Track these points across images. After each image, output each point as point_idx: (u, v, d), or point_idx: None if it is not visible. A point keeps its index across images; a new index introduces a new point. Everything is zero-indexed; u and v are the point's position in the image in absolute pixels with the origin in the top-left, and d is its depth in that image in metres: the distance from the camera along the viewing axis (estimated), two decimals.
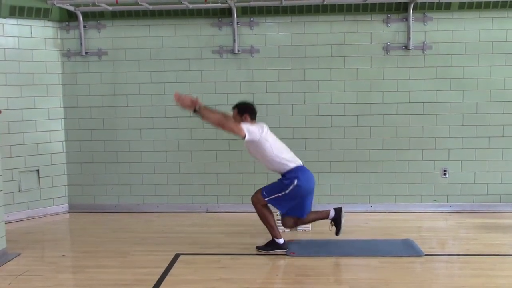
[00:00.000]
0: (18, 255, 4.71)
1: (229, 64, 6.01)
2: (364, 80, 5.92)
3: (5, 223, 4.84)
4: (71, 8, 5.84)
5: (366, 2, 5.66)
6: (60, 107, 6.18)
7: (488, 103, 5.87)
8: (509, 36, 5.77)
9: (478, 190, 5.99)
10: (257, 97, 5.76)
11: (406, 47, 5.84)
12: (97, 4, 5.57)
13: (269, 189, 4.58)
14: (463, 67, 5.84)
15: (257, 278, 4.12)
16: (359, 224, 5.60)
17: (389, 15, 5.84)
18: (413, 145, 5.97)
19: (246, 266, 4.38)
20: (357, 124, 5.98)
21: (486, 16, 5.76)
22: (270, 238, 4.68)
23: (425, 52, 5.85)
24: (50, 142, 6.14)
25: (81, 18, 5.97)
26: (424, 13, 5.79)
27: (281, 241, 4.64)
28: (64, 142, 6.23)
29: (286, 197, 4.53)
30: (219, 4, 5.74)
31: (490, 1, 5.65)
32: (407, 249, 4.67)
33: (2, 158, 5.71)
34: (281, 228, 4.90)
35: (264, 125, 4.62)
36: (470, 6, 5.70)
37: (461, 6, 5.71)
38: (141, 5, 5.61)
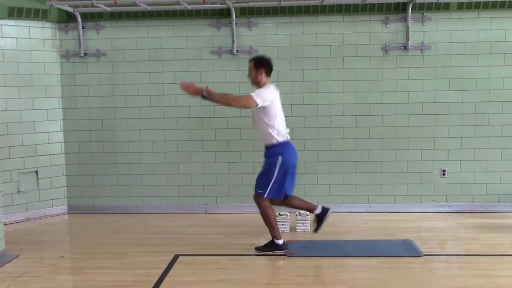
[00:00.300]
0: (17, 256, 4.70)
1: (228, 64, 6.01)
2: (363, 80, 5.92)
3: (4, 225, 4.84)
4: (70, 9, 5.84)
5: (365, 2, 5.66)
6: (59, 108, 6.17)
7: (487, 103, 5.87)
8: (508, 36, 5.78)
9: (477, 190, 5.99)
10: None
11: (405, 48, 5.84)
12: (95, 5, 5.57)
13: (261, 183, 4.54)
14: (462, 67, 5.84)
15: (257, 279, 4.11)
16: (358, 224, 5.61)
17: (387, 16, 5.84)
18: (412, 145, 5.97)
19: (246, 267, 4.38)
20: (356, 125, 5.98)
21: (485, 16, 5.77)
22: (270, 238, 4.67)
23: (424, 52, 5.85)
24: (49, 143, 6.13)
25: (79, 19, 5.96)
26: (422, 14, 5.79)
27: (280, 242, 4.63)
28: (63, 143, 6.23)
29: (279, 179, 4.50)
30: (218, 5, 5.74)
31: (488, 1, 5.65)
32: (406, 249, 4.67)
33: (1, 159, 5.74)
34: (281, 227, 4.90)
35: (276, 89, 4.58)
36: (468, 6, 5.70)
37: (460, 6, 5.71)
38: (139, 6, 5.61)
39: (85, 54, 6.08)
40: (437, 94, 5.89)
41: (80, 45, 6.04)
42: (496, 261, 4.41)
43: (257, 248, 4.69)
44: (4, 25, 5.75)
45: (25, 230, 5.65)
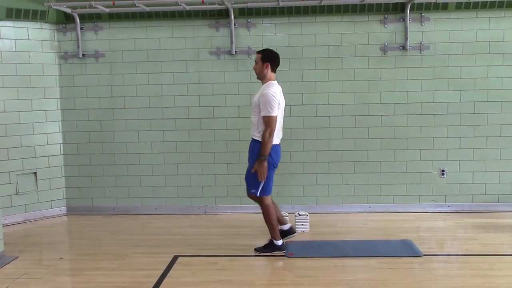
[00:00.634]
0: (16, 258, 4.70)
1: (227, 65, 6.01)
2: (362, 80, 5.92)
3: (3, 226, 4.84)
4: (68, 10, 5.83)
5: (363, 2, 5.66)
6: (58, 109, 6.17)
7: (486, 103, 5.87)
8: (506, 36, 5.78)
9: (476, 190, 5.99)
10: None
11: (404, 48, 5.84)
12: (94, 6, 5.57)
13: (253, 183, 4.51)
14: (461, 67, 5.85)
15: (256, 279, 4.11)
16: (357, 224, 5.60)
17: (386, 16, 5.84)
18: (411, 145, 5.97)
19: (245, 267, 4.38)
20: (355, 125, 5.98)
21: (483, 16, 5.77)
22: (269, 239, 4.67)
23: (422, 52, 5.85)
24: (48, 144, 6.12)
25: (78, 20, 5.95)
26: (421, 14, 5.79)
27: (279, 242, 4.63)
28: (61, 145, 6.22)
29: (269, 174, 4.48)
30: (216, 6, 5.74)
31: (486, 1, 5.66)
32: (405, 249, 4.67)
33: None
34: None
35: (279, 86, 4.57)
36: (467, 6, 5.71)
37: (458, 6, 5.72)
38: (138, 6, 5.61)
39: (83, 55, 6.07)
40: (436, 94, 5.90)
41: (78, 46, 6.04)
42: (495, 261, 4.41)
43: (257, 249, 4.69)
44: (2, 26, 5.74)
45: (24, 231, 5.64)
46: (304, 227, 5.31)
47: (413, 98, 5.91)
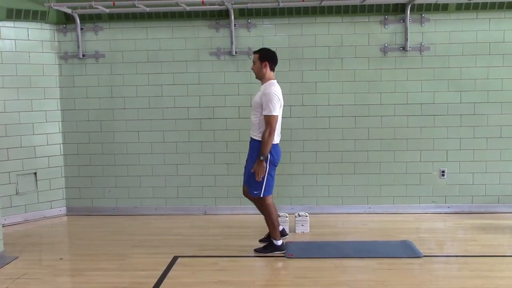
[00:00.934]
0: (16, 258, 4.69)
1: (227, 66, 6.01)
2: (362, 81, 5.92)
3: (3, 226, 4.84)
4: (68, 11, 5.84)
5: (364, 3, 5.66)
6: (58, 110, 6.17)
7: (486, 104, 5.87)
8: (506, 37, 5.78)
9: (476, 191, 5.99)
10: None
11: (404, 48, 5.84)
12: (94, 6, 5.57)
13: (255, 183, 4.50)
14: (461, 68, 5.85)
15: (256, 280, 4.11)
16: (357, 225, 5.60)
17: (386, 16, 5.84)
18: (411, 146, 5.97)
19: (245, 268, 4.38)
20: (355, 126, 5.98)
21: (483, 17, 5.77)
22: (267, 234, 4.68)
23: (422, 53, 5.85)
24: (48, 144, 6.12)
25: (78, 21, 5.96)
26: (421, 14, 5.79)
27: (279, 242, 4.63)
28: (61, 145, 6.22)
29: (270, 174, 4.49)
30: (217, 6, 5.74)
31: (487, 2, 5.66)
32: (405, 250, 4.67)
33: None
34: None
35: (279, 86, 4.57)
36: (467, 7, 5.71)
37: (458, 7, 5.72)
38: (138, 7, 5.62)
39: (83, 55, 6.08)
40: (436, 95, 5.90)
41: (78, 46, 6.04)
42: (495, 262, 4.41)
43: (256, 250, 4.68)
44: (2, 26, 5.74)
45: (23, 231, 5.64)
46: (304, 227, 5.30)
47: (413, 99, 5.91)
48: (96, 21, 6.04)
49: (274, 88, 4.46)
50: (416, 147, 5.97)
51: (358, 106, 5.95)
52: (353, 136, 6.00)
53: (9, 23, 5.78)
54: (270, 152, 4.45)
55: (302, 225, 5.31)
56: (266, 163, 4.45)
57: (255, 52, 4.64)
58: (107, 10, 5.77)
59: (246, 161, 4.69)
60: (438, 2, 5.64)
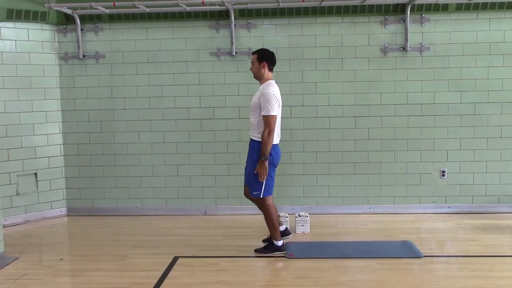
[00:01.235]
0: (16, 259, 4.69)
1: (227, 66, 6.01)
2: (362, 81, 5.92)
3: (3, 227, 4.84)
4: (68, 11, 5.84)
5: (364, 3, 5.66)
6: (58, 110, 6.17)
7: (486, 104, 5.87)
8: (507, 37, 5.78)
9: (476, 191, 5.99)
10: None
11: (404, 49, 5.84)
12: (94, 7, 5.57)
13: (255, 184, 4.51)
14: (461, 68, 5.85)
15: (256, 280, 4.11)
16: (357, 225, 5.60)
17: (386, 17, 5.84)
18: (411, 146, 5.97)
19: (245, 268, 4.38)
20: (355, 126, 5.98)
21: (483, 17, 5.77)
22: (268, 236, 4.68)
23: (422, 53, 5.85)
24: (48, 145, 6.12)
25: (78, 21, 5.96)
26: (421, 15, 5.79)
27: (279, 243, 4.63)
28: (62, 145, 6.22)
29: (270, 174, 4.49)
30: (217, 7, 5.74)
31: (487, 2, 5.66)
32: (406, 250, 4.67)
33: None
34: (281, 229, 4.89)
35: (277, 86, 4.57)
36: (467, 7, 5.71)
37: (458, 8, 5.72)
38: (138, 8, 5.62)
39: (84, 56, 6.08)
40: (436, 95, 5.90)
41: (79, 47, 6.04)
42: (496, 262, 4.41)
43: (257, 250, 4.68)
44: (2, 27, 5.75)
45: (24, 232, 5.64)
46: (304, 228, 5.30)
47: (413, 99, 5.91)
48: (96, 22, 6.04)
49: (272, 88, 4.47)
50: (416, 147, 5.97)
51: (358, 106, 5.95)
52: (353, 136, 6.00)
53: (10, 24, 5.78)
54: (270, 153, 4.45)
55: (302, 225, 5.31)
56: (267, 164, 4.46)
57: (253, 53, 4.64)
58: (107, 11, 5.77)
59: (246, 161, 4.69)
60: (438, 2, 5.64)
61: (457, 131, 5.92)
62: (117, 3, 5.57)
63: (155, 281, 4.07)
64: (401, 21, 5.83)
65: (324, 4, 5.65)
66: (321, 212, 6.01)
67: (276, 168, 4.64)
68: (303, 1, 5.63)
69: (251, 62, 4.62)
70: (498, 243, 4.91)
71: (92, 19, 6.02)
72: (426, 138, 5.95)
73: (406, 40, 5.80)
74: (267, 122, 4.38)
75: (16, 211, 5.95)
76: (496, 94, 5.85)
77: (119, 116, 6.15)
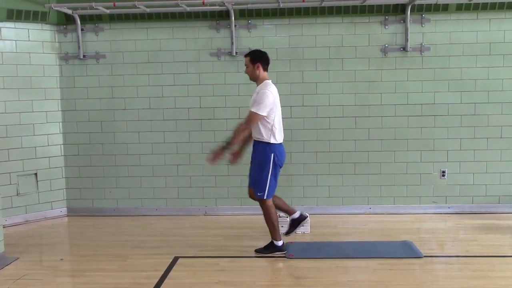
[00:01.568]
0: (17, 259, 4.69)
1: (227, 66, 6.01)
2: (362, 82, 5.92)
3: (3, 227, 4.83)
4: (69, 12, 5.84)
5: (364, 4, 5.66)
6: (58, 111, 6.17)
7: (486, 104, 5.87)
8: (507, 37, 5.79)
9: (476, 191, 5.99)
10: None
11: (404, 49, 5.84)
12: (94, 7, 5.57)
13: (259, 184, 4.51)
14: (461, 68, 5.85)
15: (256, 280, 4.11)
16: (358, 226, 5.60)
17: (386, 17, 5.84)
18: (411, 146, 5.97)
19: (245, 268, 4.38)
20: (355, 126, 5.98)
21: (484, 18, 5.77)
22: (269, 240, 4.67)
23: (423, 53, 5.85)
24: (48, 145, 6.13)
25: (78, 21, 5.96)
26: (421, 15, 5.80)
27: (280, 243, 4.63)
28: (62, 146, 6.22)
29: (273, 174, 4.49)
30: (217, 7, 5.74)
31: (487, 3, 5.66)
32: (406, 250, 4.67)
33: (0, 161, 5.72)
34: (281, 229, 4.90)
35: (275, 87, 4.55)
36: (467, 8, 5.71)
37: (459, 8, 5.72)
38: (138, 8, 5.62)
39: (84, 56, 6.08)
40: (436, 95, 5.90)
41: (79, 47, 6.04)
42: (496, 262, 4.41)
43: (257, 250, 4.69)
44: (3, 27, 5.75)
45: (24, 232, 5.64)
46: (305, 228, 5.29)
47: (413, 99, 5.91)
48: (97, 22, 6.04)
49: (270, 88, 4.45)
50: (416, 147, 5.97)
51: (359, 107, 5.96)
52: (353, 136, 6.00)
53: (10, 24, 5.79)
54: (275, 153, 4.45)
55: (302, 225, 5.31)
56: (270, 164, 4.44)
57: (246, 55, 4.60)
58: (108, 11, 5.77)
59: (251, 163, 4.68)
60: (438, 3, 5.64)
61: (457, 131, 5.92)
62: (117, 3, 5.57)
63: (156, 281, 4.07)
64: (401, 21, 5.83)
65: (324, 4, 5.65)
66: (321, 212, 6.01)
67: (281, 169, 4.63)
68: (303, 1, 5.63)
69: (245, 65, 4.59)
70: (499, 243, 4.91)
71: (93, 19, 6.02)
72: (426, 138, 5.95)
73: (406, 40, 5.81)
74: (251, 117, 4.36)
75: (17, 211, 5.95)
76: (496, 94, 5.85)
77: (120, 116, 6.15)
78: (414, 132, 5.95)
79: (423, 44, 5.83)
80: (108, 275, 4.26)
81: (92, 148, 6.21)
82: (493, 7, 5.69)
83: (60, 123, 6.19)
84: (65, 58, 6.12)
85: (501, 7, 5.69)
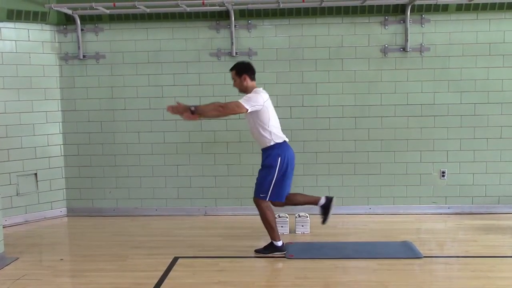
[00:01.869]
0: (16, 259, 4.69)
1: (227, 67, 5.92)
2: (362, 82, 5.93)
3: (3, 227, 4.83)
4: (69, 12, 5.84)
5: (364, 4, 5.66)
6: (58, 111, 6.17)
7: (486, 104, 5.87)
8: (507, 38, 5.79)
9: (476, 191, 5.99)
10: None
11: (404, 49, 5.85)
12: (94, 7, 5.57)
13: (262, 187, 4.53)
14: (461, 68, 5.85)
15: (256, 281, 4.11)
16: (358, 226, 5.60)
17: (386, 17, 5.85)
18: (411, 147, 5.97)
19: (245, 269, 4.38)
20: (355, 126, 5.98)
21: (483, 18, 5.78)
22: (269, 240, 4.67)
23: (422, 54, 5.85)
24: (48, 145, 6.13)
25: (78, 22, 5.96)
26: (421, 15, 5.80)
27: (279, 243, 4.63)
28: (62, 146, 6.23)
29: (279, 181, 4.50)
30: (217, 7, 5.74)
31: (487, 3, 5.66)
32: (406, 251, 4.67)
33: (0, 162, 5.73)
34: (281, 230, 4.90)
35: (266, 92, 4.56)
36: (467, 8, 5.71)
37: (459, 8, 5.72)
38: (138, 8, 5.62)
39: (84, 56, 6.08)
40: (436, 96, 5.90)
41: (79, 47, 6.04)
42: (496, 262, 4.41)
43: (257, 251, 4.69)
44: (3, 27, 5.75)
45: (24, 232, 5.64)
46: (304, 228, 5.31)
47: (413, 99, 5.91)
48: (97, 22, 6.05)
49: (260, 92, 4.48)
50: (416, 147, 5.97)
51: (358, 107, 5.96)
52: (353, 136, 6.00)
53: (10, 24, 5.79)
54: (283, 155, 4.46)
55: (302, 225, 5.32)
56: (275, 166, 4.45)
57: (230, 70, 4.63)
58: (108, 11, 5.77)
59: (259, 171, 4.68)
60: (438, 3, 5.65)
61: (457, 131, 5.92)
62: (117, 4, 5.57)
63: (155, 281, 4.07)
64: (401, 21, 5.84)
65: (324, 4, 5.65)
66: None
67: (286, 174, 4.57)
68: (303, 1, 5.63)
69: (232, 78, 4.61)
70: (498, 243, 4.91)
71: (92, 20, 6.02)
72: (426, 139, 5.95)
73: (406, 40, 5.81)
74: (232, 105, 4.31)
75: (16, 211, 5.95)
76: (496, 94, 5.85)
77: (119, 117, 6.15)
78: (414, 132, 5.95)
79: (423, 44, 5.84)
80: (107, 275, 4.26)
81: (92, 148, 6.21)
82: (493, 7, 5.70)
83: (60, 123, 6.20)
84: (65, 58, 6.13)
85: (501, 7, 5.69)
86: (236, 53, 5.93)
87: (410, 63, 5.88)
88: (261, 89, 4.57)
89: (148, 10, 5.74)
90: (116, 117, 6.15)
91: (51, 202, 6.20)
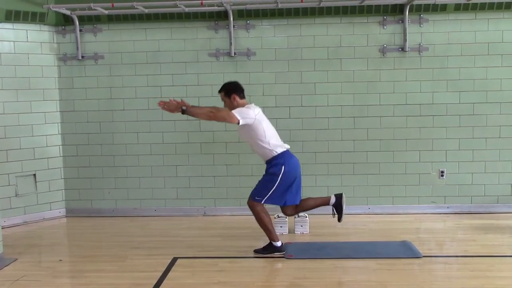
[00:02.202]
0: (15, 260, 4.69)
1: (226, 67, 6.01)
2: (361, 82, 5.93)
3: (2, 228, 4.83)
4: (67, 12, 5.83)
5: (362, 4, 5.67)
6: (57, 111, 6.17)
7: (485, 104, 5.88)
8: (505, 37, 5.79)
9: (475, 191, 6.00)
10: (254, 100, 5.69)
11: (403, 49, 5.85)
12: (93, 8, 5.57)
13: (260, 190, 4.55)
14: (459, 68, 5.85)
15: (256, 281, 4.11)
16: (357, 226, 5.60)
17: (385, 17, 5.85)
18: (410, 146, 5.98)
19: (244, 269, 4.38)
20: (354, 126, 5.99)
21: (482, 18, 5.78)
22: (268, 241, 4.67)
23: (421, 53, 5.86)
24: (47, 146, 6.12)
25: (77, 22, 5.96)
26: (420, 15, 5.80)
27: (278, 244, 4.63)
28: (60, 146, 6.22)
29: (279, 189, 4.52)
30: (215, 7, 5.74)
31: (485, 3, 5.67)
32: (405, 250, 4.67)
33: None
34: (280, 230, 4.89)
35: (257, 106, 4.57)
36: (465, 8, 5.72)
37: (457, 8, 5.73)
38: (137, 8, 5.61)
39: (82, 57, 6.08)
40: (435, 95, 5.90)
41: (77, 48, 6.04)
42: (495, 262, 4.41)
43: (256, 251, 4.69)
44: (1, 28, 5.74)
45: (23, 233, 5.64)
46: (304, 228, 5.31)
47: (412, 99, 5.91)
48: (95, 23, 6.04)
49: (251, 107, 4.48)
50: (415, 147, 5.97)
51: (357, 107, 5.96)
52: (352, 136, 6.00)
53: (8, 25, 5.78)
54: (286, 164, 4.49)
55: (301, 225, 5.32)
56: (278, 175, 4.47)
57: (219, 92, 4.64)
58: (106, 12, 5.77)
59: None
60: (436, 3, 5.65)
61: (455, 131, 5.93)
62: (115, 4, 5.57)
63: (155, 281, 4.06)
64: (400, 21, 5.84)
65: (322, 4, 5.65)
66: (320, 212, 5.96)
67: (287, 184, 4.59)
68: (302, 1, 5.63)
69: (222, 100, 4.62)
70: (497, 243, 4.91)
71: (91, 20, 6.02)
72: (425, 138, 5.96)
73: (405, 40, 5.81)
74: (224, 113, 4.32)
75: (15, 212, 5.95)
76: (494, 94, 5.86)
77: (118, 117, 6.14)
78: (413, 132, 5.95)
79: (422, 44, 5.84)
80: (107, 276, 4.26)
81: (90, 149, 6.21)
82: (491, 7, 5.70)
83: (59, 124, 6.19)
84: (63, 59, 6.12)
85: (499, 7, 5.70)
86: (234, 53, 5.93)
87: (408, 63, 5.88)
88: (252, 104, 4.59)
89: (146, 11, 5.74)
90: (115, 117, 6.15)
91: (50, 203, 6.20)
